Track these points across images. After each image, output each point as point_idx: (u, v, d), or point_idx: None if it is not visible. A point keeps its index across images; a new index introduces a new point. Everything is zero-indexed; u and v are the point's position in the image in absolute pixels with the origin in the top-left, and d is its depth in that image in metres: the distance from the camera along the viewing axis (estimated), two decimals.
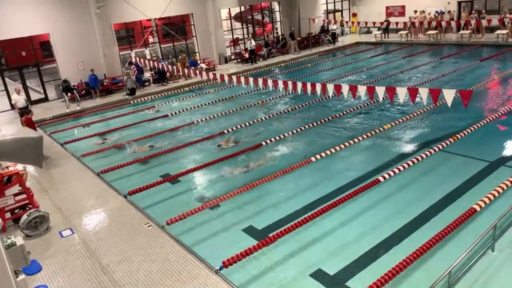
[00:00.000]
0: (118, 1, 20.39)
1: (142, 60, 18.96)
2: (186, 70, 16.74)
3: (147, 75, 21.77)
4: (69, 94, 18.12)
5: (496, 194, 7.38)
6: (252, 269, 6.37)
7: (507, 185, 7.64)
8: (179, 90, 19.89)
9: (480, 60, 19.47)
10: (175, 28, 23.72)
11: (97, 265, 6.54)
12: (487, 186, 7.81)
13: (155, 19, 21.11)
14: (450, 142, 10.08)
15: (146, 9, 20.94)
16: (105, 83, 19.92)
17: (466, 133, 10.53)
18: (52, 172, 10.89)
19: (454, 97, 8.08)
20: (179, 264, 6.33)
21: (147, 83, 21.14)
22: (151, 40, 24.85)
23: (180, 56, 22.67)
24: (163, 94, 19.29)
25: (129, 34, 22.70)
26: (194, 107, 16.30)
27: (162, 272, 6.19)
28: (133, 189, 9.12)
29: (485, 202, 7.14)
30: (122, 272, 6.29)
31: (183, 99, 18.16)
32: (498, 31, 22.68)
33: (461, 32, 24.18)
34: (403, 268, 5.71)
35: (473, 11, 25.11)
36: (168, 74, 20.83)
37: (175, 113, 15.72)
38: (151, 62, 18.80)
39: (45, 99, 19.64)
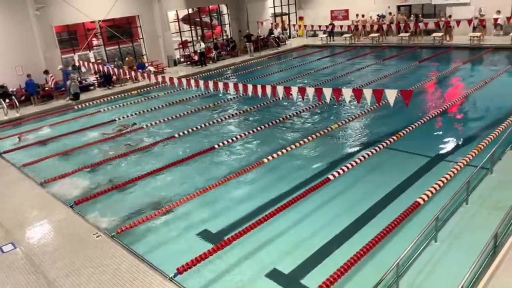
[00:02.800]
0: (59, 2, 19.48)
1: (86, 63, 18.22)
2: (133, 73, 16.30)
3: (92, 78, 20.96)
4: (7, 100, 17.02)
5: (438, 188, 7.83)
6: (208, 274, 6.31)
7: (447, 179, 8.13)
8: (126, 94, 19.32)
9: (419, 61, 20.60)
10: (121, 30, 23.03)
11: (42, 280, 6.19)
12: (429, 180, 8.26)
13: (99, 21, 20.38)
14: (394, 139, 10.57)
15: (89, 11, 20.17)
16: (46, 88, 18.91)
17: (408, 130, 11.08)
18: None
19: (396, 96, 8.47)
20: (131, 274, 6.14)
21: (91, 87, 20.36)
22: (95, 42, 23.95)
23: (126, 59, 22.04)
24: (109, 98, 18.65)
25: (71, 37, 21.74)
26: (143, 111, 15.89)
27: (113, 282, 5.97)
28: (80, 198, 8.75)
29: (427, 196, 7.55)
30: (70, 285, 5.99)
31: (130, 103, 17.65)
32: (434, 34, 24.13)
33: (401, 34, 25.46)
34: (354, 262, 5.90)
35: (412, 15, 26.53)
36: (114, 77, 20.18)
37: (123, 117, 15.25)
38: (95, 65, 18.12)
39: None
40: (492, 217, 6.77)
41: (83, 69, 19.08)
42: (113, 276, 6.12)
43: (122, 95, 19.20)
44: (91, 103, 18.08)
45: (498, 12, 22.16)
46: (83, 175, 10.35)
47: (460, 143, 10.52)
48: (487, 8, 23.18)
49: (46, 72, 18.32)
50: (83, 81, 20.19)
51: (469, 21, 22.08)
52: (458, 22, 22.56)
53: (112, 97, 18.80)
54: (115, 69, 17.45)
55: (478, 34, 22.37)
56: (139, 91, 19.72)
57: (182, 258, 6.38)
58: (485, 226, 6.54)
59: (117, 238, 7.21)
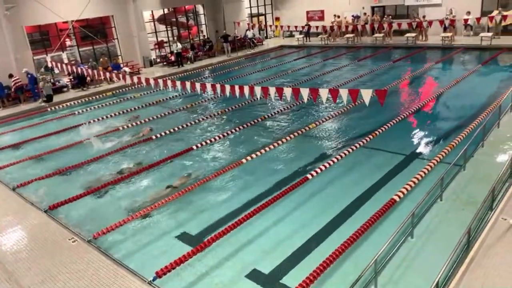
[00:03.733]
0: (30, 2, 18.93)
1: (59, 64, 17.77)
2: (108, 74, 16.01)
3: (65, 80, 20.47)
4: None
5: (413, 185, 8.01)
6: (187, 277, 6.26)
7: (421, 176, 8.33)
8: (101, 96, 18.96)
9: (393, 61, 21.02)
10: (95, 30, 22.58)
11: (16, 287, 6.02)
12: (405, 178, 8.43)
13: (72, 21, 19.93)
14: (370, 138, 10.74)
15: (62, 11, 19.67)
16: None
17: (383, 129, 11.28)
18: None
19: (371, 96, 8.62)
20: (109, 279, 6.03)
21: (65, 89, 19.88)
22: (68, 43, 23.41)
23: (101, 59, 21.63)
24: (83, 100, 18.25)
25: (43, 37, 21.17)
26: (118, 113, 15.63)
27: None
28: (54, 203, 8.52)
29: (403, 193, 7.71)
30: None
31: (105, 104, 17.33)
32: (407, 34, 24.65)
33: (375, 35, 25.90)
34: (333, 260, 5.97)
35: (385, 16, 27.03)
36: (88, 78, 19.77)
37: (98, 119, 14.96)
38: (69, 66, 17.69)
39: None
40: (465, 213, 6.98)
41: (56, 70, 18.57)
42: (91, 281, 5.99)
43: (97, 96, 18.82)
44: (64, 105, 17.65)
45: (468, 13, 22.83)
46: (57, 179, 10.10)
47: (433, 140, 10.77)
48: (457, 9, 23.86)
49: (10, 76, 17.71)
50: (56, 83, 19.71)
51: (441, 22, 22.67)
52: (430, 22, 23.13)
53: (87, 99, 18.40)
54: (89, 70, 17.11)
55: (449, 34, 23.00)
56: (114, 92, 19.38)
57: (161, 261, 6.31)
58: (458, 221, 6.72)
59: (93, 243, 7.06)
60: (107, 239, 7.28)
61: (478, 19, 21.83)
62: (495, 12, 22.03)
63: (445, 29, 23.27)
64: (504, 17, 20.99)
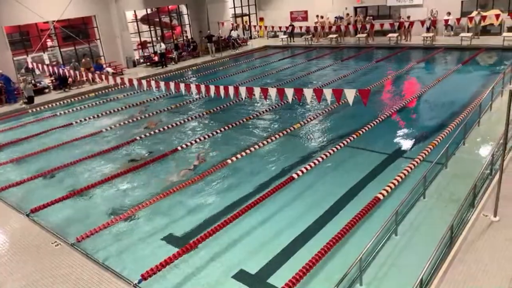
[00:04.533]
0: (9, 2, 18.56)
1: (40, 65, 17.45)
2: (90, 75, 15.78)
3: (47, 81, 20.12)
4: None
5: (396, 183, 8.12)
6: (174, 278, 6.21)
7: (405, 174, 8.45)
8: (83, 97, 18.68)
9: (376, 61, 21.27)
10: (77, 30, 22.24)
11: None
12: (388, 176, 8.55)
13: (53, 21, 19.59)
14: (354, 138, 10.84)
15: (42, 11, 19.29)
16: None
17: (367, 128, 11.40)
18: None
19: (355, 96, 8.70)
20: (93, 283, 5.95)
21: (46, 90, 19.53)
22: (49, 43, 23.00)
23: (83, 60, 21.32)
24: (65, 102, 17.96)
25: (23, 38, 20.76)
26: (101, 114, 15.43)
27: None
28: (36, 206, 8.36)
29: (387, 191, 7.81)
30: None
31: (88, 106, 17.08)
32: (390, 34, 24.97)
33: (358, 35, 26.16)
34: (319, 259, 6.01)
35: (368, 17, 27.33)
36: (70, 79, 19.46)
37: (80, 121, 14.75)
38: (50, 67, 17.39)
39: None
40: (448, 210, 7.10)
41: (37, 71, 18.24)
42: (75, 285, 5.91)
43: (79, 97, 18.54)
44: (46, 106, 17.35)
45: (449, 13, 23.26)
46: (39, 182, 9.92)
47: (416, 139, 10.93)
48: (438, 10, 24.27)
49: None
50: (38, 84, 19.35)
51: (422, 22, 23.04)
52: (412, 23, 23.48)
53: (68, 100, 18.12)
54: (71, 71, 16.84)
55: (430, 34, 23.38)
56: (96, 93, 19.12)
57: (147, 263, 6.26)
58: (441, 218, 6.84)
59: (77, 246, 6.96)
60: (91, 242, 7.17)
61: (458, 20, 22.27)
62: (474, 13, 22.51)
63: (427, 30, 23.66)
64: (483, 18, 21.47)
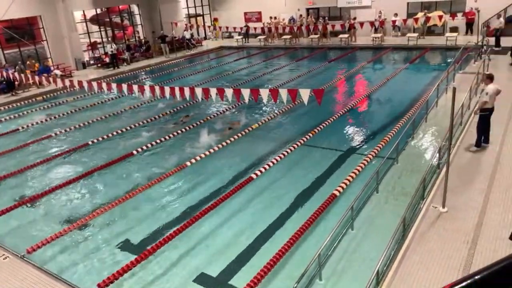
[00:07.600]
0: None
1: None
2: (37, 78, 15.00)
3: None
4: None
5: (351, 179, 8.37)
6: (133, 286, 6.05)
7: (358, 170, 8.73)
8: (30, 101, 17.75)
9: (329, 61, 21.79)
10: (21, 31, 21.10)
11: None
12: (343, 173, 8.80)
13: None
14: (310, 136, 11.05)
15: None
16: None
17: (322, 127, 11.65)
18: None
19: (309, 95, 8.87)
20: None
21: None
22: None
23: (28, 62, 20.25)
24: (11, 106, 16.99)
25: None
26: (50, 118, 14.73)
27: None
28: None
29: (342, 187, 8.03)
30: None
31: (36, 110, 16.25)
32: (341, 35, 25.67)
33: (311, 36, 26.68)
34: (279, 258, 6.07)
35: (320, 18, 27.93)
36: (16, 83, 18.43)
37: (27, 126, 14.00)
38: None
39: None
40: (400, 203, 7.41)
41: None
42: None
43: (26, 101, 17.60)
44: None
45: (396, 15, 24.26)
46: None
47: (368, 136, 11.31)
48: (386, 11, 25.24)
49: None
50: None
51: (371, 23, 23.88)
52: (361, 24, 24.26)
53: (15, 105, 17.16)
54: (16, 74, 15.95)
55: (379, 35, 24.28)
56: (44, 97, 18.23)
57: (103, 272, 6.07)
58: (394, 211, 7.12)
59: (27, 258, 6.61)
60: (42, 253, 6.84)
61: (404, 21, 23.32)
62: (419, 14, 23.65)
63: (375, 30, 24.54)
64: (428, 19, 22.60)
